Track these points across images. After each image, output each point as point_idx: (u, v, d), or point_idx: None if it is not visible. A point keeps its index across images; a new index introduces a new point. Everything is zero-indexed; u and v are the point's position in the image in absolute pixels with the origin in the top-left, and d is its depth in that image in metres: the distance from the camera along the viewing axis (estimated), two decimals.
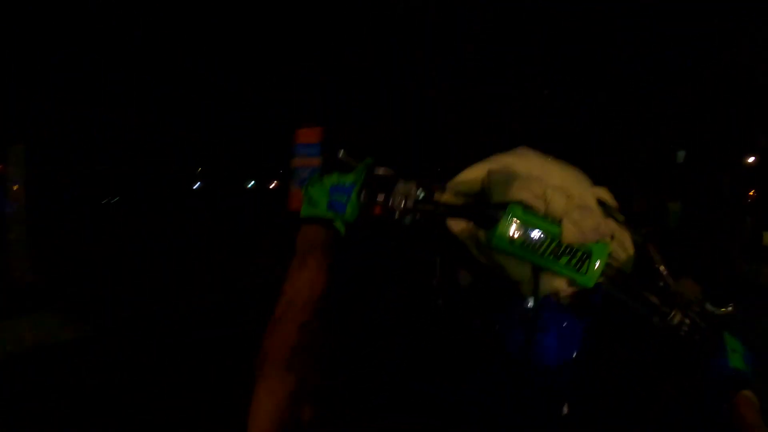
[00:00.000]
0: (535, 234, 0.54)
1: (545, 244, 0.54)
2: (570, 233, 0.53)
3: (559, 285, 0.56)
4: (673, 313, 0.55)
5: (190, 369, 2.87)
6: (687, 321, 0.55)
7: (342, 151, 0.68)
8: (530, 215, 0.54)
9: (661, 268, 0.57)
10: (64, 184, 13.91)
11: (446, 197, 0.60)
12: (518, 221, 0.54)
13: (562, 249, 0.54)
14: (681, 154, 9.59)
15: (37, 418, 2.38)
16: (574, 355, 0.59)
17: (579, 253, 0.54)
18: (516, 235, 0.54)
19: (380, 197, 0.62)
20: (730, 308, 0.57)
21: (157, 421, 2.34)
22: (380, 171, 0.64)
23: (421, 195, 0.60)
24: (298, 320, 0.58)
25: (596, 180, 0.60)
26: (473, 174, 0.60)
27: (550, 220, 0.55)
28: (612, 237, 0.56)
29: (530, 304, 0.57)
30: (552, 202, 0.54)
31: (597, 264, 0.54)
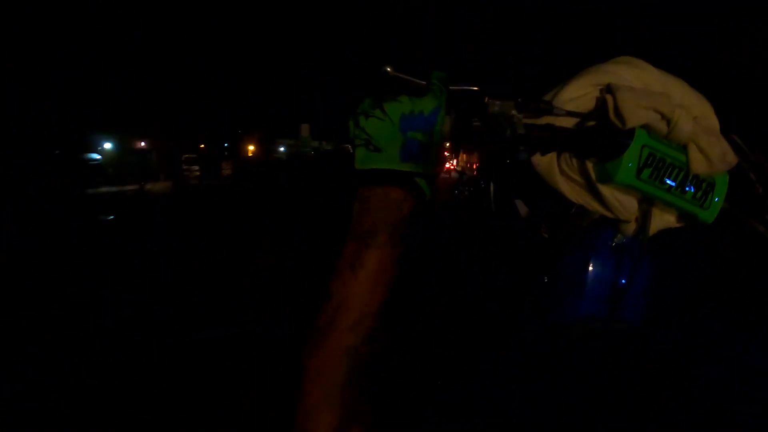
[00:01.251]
0: (663, 164, 0.46)
1: (672, 176, 0.46)
2: (698, 162, 0.46)
3: (671, 221, 0.50)
4: None
5: (190, 369, 2.87)
6: None
7: (388, 67, 0.48)
8: (658, 142, 0.46)
9: None
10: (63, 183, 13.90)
11: (548, 120, 0.47)
12: (647, 150, 0.45)
13: (688, 181, 0.47)
14: None
15: (37, 418, 2.38)
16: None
17: (704, 185, 0.47)
18: (644, 167, 0.45)
19: (476, 125, 0.44)
20: None
21: (157, 421, 2.34)
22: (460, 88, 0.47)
23: (523, 120, 0.46)
24: (347, 340, 0.42)
25: None
26: (579, 90, 0.49)
27: (674, 146, 0.47)
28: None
29: (617, 241, 0.51)
30: (678, 125, 0.46)
31: (718, 197, 0.48)
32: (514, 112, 0.45)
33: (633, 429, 0.58)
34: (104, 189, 15.50)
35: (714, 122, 0.49)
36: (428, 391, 0.60)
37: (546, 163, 0.47)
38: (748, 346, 0.60)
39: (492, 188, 0.54)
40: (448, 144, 0.48)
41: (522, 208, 0.55)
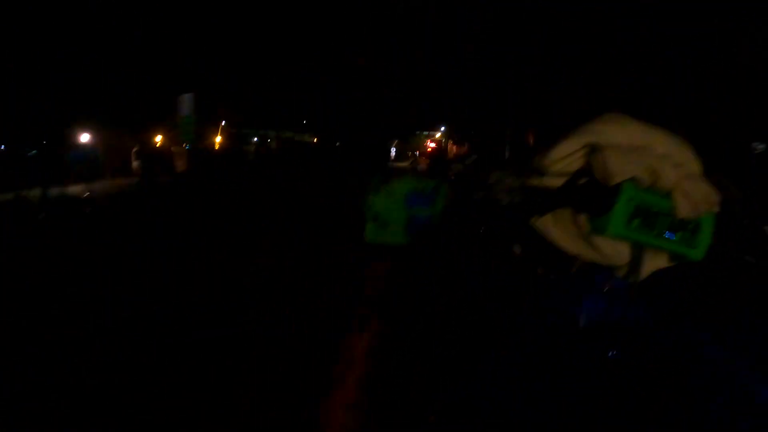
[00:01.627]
0: (651, 213, 0.49)
1: (660, 223, 0.49)
2: (683, 207, 0.49)
3: (662, 262, 0.53)
4: None
5: (190, 369, 2.87)
6: None
7: (396, 141, 0.53)
8: (644, 193, 0.49)
9: (766, 228, 0.52)
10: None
11: (539, 181, 0.52)
12: (634, 202, 0.48)
13: (675, 225, 0.49)
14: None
15: (37, 418, 2.38)
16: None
17: (690, 226, 0.50)
18: (633, 218, 0.48)
19: (478, 195, 0.53)
20: None
21: (157, 421, 2.34)
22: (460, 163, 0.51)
23: (518, 183, 0.51)
24: (351, 396, 0.50)
25: None
26: (568, 149, 0.52)
27: (660, 194, 0.49)
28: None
29: (609, 285, 0.53)
30: (662, 175, 0.49)
31: (705, 236, 0.50)
32: (510, 179, 0.50)
33: (633, 429, 0.58)
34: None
35: (695, 167, 0.52)
36: (428, 391, 0.61)
37: (542, 219, 0.51)
38: (745, 351, 0.61)
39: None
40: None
41: (518, 250, 0.59)
